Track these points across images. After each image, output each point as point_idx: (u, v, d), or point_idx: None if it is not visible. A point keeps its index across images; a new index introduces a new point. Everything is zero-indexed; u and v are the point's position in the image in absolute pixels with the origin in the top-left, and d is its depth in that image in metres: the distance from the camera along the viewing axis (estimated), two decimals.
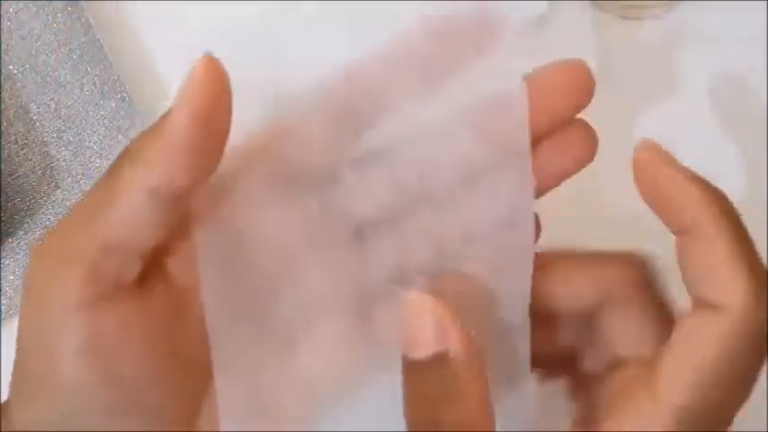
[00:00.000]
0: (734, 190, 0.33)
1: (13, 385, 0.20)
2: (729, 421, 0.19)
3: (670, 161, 0.20)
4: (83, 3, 0.35)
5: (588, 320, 0.22)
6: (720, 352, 0.18)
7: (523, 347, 0.21)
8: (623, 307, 0.21)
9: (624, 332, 0.21)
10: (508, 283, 0.21)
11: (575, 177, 0.32)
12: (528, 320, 0.21)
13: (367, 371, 0.22)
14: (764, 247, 0.32)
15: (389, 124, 0.22)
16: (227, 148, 0.20)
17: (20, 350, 0.20)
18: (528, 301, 0.21)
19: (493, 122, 0.22)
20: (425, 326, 0.19)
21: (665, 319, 0.21)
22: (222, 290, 0.21)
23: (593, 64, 0.34)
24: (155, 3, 0.36)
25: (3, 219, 0.33)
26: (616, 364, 0.22)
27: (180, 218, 0.20)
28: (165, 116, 0.19)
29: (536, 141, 0.22)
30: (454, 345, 0.19)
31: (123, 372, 0.19)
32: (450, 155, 0.22)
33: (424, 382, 0.19)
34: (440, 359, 0.19)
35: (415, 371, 0.20)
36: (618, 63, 0.34)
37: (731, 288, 0.19)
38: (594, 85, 0.22)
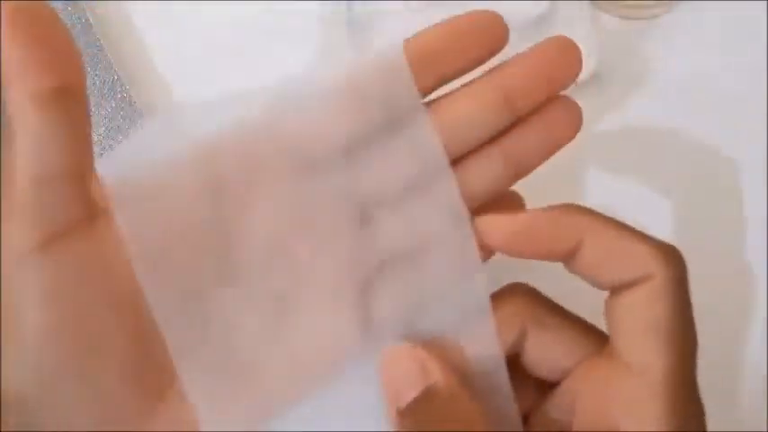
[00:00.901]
0: (733, 189, 0.33)
1: None
2: (695, 375, 0.21)
3: (523, 209, 0.22)
4: (83, 3, 0.35)
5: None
6: (664, 311, 0.20)
7: (508, 396, 0.22)
8: (540, 331, 0.22)
9: (555, 348, 0.22)
10: (475, 341, 0.22)
11: (568, 175, 0.32)
12: (506, 374, 0.22)
13: (358, 354, 0.22)
14: (765, 246, 0.32)
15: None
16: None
17: None
18: (500, 353, 0.22)
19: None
20: (409, 368, 0.21)
21: (580, 322, 0.23)
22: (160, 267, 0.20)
23: (593, 64, 0.34)
24: (155, 3, 0.36)
25: None
26: (552, 385, 0.23)
27: (83, 122, 0.20)
28: None
29: (521, 119, 0.23)
30: (438, 377, 0.20)
31: (86, 321, 0.19)
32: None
33: (420, 419, 0.20)
34: (429, 394, 0.20)
35: (408, 414, 0.20)
36: (618, 63, 0.34)
37: (644, 260, 0.20)
38: (580, 55, 0.22)
